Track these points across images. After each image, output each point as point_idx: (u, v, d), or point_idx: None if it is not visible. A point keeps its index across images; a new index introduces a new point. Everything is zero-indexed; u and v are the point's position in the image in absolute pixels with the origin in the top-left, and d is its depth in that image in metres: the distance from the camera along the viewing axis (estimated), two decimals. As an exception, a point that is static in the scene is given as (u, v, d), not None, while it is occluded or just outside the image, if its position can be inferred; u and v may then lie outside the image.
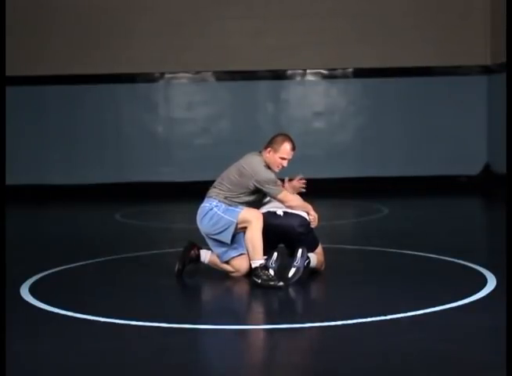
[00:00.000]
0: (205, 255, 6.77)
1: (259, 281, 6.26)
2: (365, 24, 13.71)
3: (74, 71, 13.75)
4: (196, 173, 13.71)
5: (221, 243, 6.59)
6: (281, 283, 6.22)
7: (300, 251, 6.35)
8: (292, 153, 6.64)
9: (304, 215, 6.64)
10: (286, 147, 6.58)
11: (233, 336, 5.15)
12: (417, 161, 13.92)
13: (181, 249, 6.84)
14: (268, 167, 6.60)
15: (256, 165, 6.56)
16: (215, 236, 6.58)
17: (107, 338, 5.04)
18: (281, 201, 6.62)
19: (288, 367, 4.49)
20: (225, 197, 6.57)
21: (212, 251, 6.73)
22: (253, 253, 6.37)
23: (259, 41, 13.69)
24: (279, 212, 6.60)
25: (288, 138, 6.66)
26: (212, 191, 6.66)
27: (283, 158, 6.59)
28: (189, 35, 13.73)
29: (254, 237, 6.37)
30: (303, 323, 5.27)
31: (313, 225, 6.68)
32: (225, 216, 6.50)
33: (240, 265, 6.63)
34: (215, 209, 6.55)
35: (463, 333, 5.01)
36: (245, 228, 6.45)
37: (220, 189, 6.61)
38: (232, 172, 6.63)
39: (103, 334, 5.13)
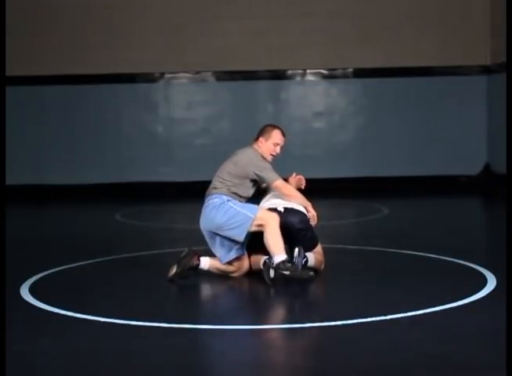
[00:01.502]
0: (205, 263, 6.71)
1: (288, 273, 6.22)
2: (366, 24, 13.72)
3: (74, 71, 13.75)
4: (196, 173, 13.70)
5: (226, 242, 6.57)
6: (311, 273, 6.29)
7: (297, 250, 6.36)
8: (283, 139, 6.80)
9: (304, 211, 6.65)
10: (277, 134, 6.77)
11: (233, 336, 5.15)
12: (417, 161, 13.92)
13: (181, 249, 6.83)
14: (263, 157, 6.69)
15: (251, 154, 6.68)
16: (227, 232, 6.51)
17: (107, 338, 5.04)
18: (278, 188, 6.64)
19: (288, 367, 4.49)
20: (229, 191, 6.58)
21: (213, 253, 6.70)
22: (276, 249, 6.30)
23: (259, 41, 13.69)
24: (280, 208, 6.62)
25: (276, 126, 6.88)
26: (215, 186, 6.65)
27: (276, 144, 6.74)
28: (189, 35, 13.73)
29: (275, 234, 6.34)
30: (303, 323, 5.27)
31: (312, 223, 6.69)
32: (243, 211, 6.46)
33: (241, 264, 6.64)
34: (230, 203, 6.52)
35: (463, 333, 5.01)
36: (259, 226, 6.41)
37: (223, 184, 6.60)
38: (228, 166, 6.68)
39: (103, 334, 5.13)
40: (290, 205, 6.65)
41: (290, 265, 6.26)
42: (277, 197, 6.78)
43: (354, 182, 13.83)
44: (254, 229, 6.45)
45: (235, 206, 6.50)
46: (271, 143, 6.72)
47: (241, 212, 6.46)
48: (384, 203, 11.98)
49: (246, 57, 13.74)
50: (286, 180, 6.89)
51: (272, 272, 6.33)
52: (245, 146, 6.88)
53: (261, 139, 6.75)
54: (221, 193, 6.58)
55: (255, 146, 6.77)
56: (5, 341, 4.59)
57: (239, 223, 6.45)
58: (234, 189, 6.60)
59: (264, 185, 6.83)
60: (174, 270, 6.55)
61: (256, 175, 6.60)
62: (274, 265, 6.29)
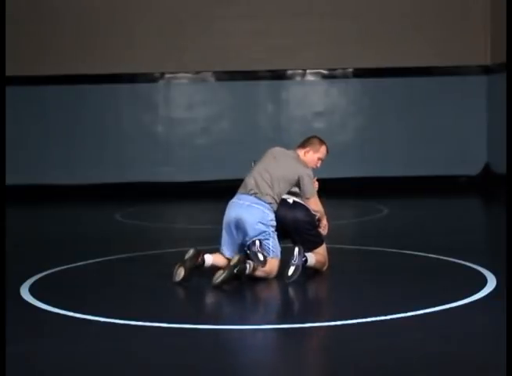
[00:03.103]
0: (208, 259, 6.71)
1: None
2: (365, 24, 13.72)
3: (75, 71, 13.75)
4: (196, 173, 13.73)
5: (239, 239, 6.63)
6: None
7: (296, 249, 6.40)
8: (327, 155, 6.97)
9: (314, 212, 6.72)
10: (325, 150, 6.94)
11: (233, 336, 5.16)
12: (417, 161, 13.92)
13: (181, 249, 6.82)
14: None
15: (300, 160, 6.78)
16: (252, 232, 6.56)
17: (107, 338, 5.04)
18: (310, 202, 6.73)
19: (288, 367, 4.49)
20: (274, 199, 6.62)
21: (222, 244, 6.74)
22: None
23: (259, 41, 13.69)
24: (289, 200, 6.71)
25: (324, 141, 6.99)
26: (266, 191, 6.61)
27: (321, 159, 6.91)
28: (189, 35, 13.74)
29: (262, 274, 6.48)
30: (303, 323, 5.28)
31: (322, 231, 6.83)
32: (272, 247, 6.54)
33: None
34: (272, 230, 6.55)
35: (463, 333, 5.01)
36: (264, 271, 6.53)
37: (271, 191, 6.61)
38: (276, 170, 6.67)
39: (103, 334, 5.13)
40: (300, 200, 6.71)
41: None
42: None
43: (354, 182, 13.83)
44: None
45: (271, 238, 6.56)
46: (317, 157, 6.87)
47: (273, 242, 6.56)
48: (384, 203, 11.98)
49: (246, 57, 13.74)
50: None
51: (260, 256, 6.43)
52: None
53: (309, 149, 6.86)
54: (270, 204, 6.60)
55: (300, 152, 6.85)
56: (5, 341, 4.59)
57: (262, 237, 6.50)
58: (276, 198, 6.63)
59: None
60: (182, 274, 6.48)
61: (300, 178, 6.67)
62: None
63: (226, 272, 6.27)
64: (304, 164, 6.79)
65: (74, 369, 4.48)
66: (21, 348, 4.81)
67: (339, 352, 4.70)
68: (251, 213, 6.53)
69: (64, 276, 7.03)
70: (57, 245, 8.90)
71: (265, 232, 6.51)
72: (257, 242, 6.43)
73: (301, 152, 6.87)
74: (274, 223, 6.58)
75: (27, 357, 4.68)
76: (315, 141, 6.93)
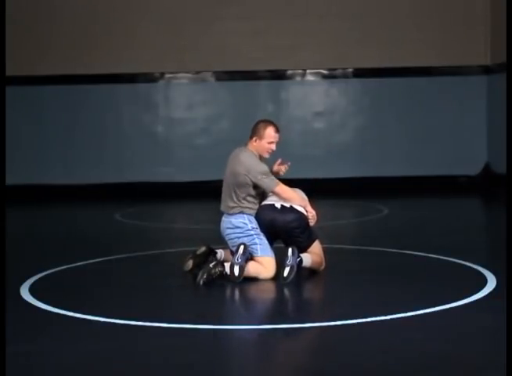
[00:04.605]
0: (220, 253, 6.87)
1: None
2: (366, 24, 13.71)
3: (74, 71, 13.75)
4: (196, 173, 13.72)
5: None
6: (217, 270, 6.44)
7: (290, 250, 6.41)
8: (277, 135, 6.75)
9: (303, 210, 6.66)
10: (271, 132, 6.71)
11: (233, 336, 5.16)
12: (417, 161, 13.92)
13: (181, 249, 6.84)
14: (260, 158, 6.71)
15: (246, 161, 6.64)
16: (228, 238, 6.69)
17: (107, 338, 5.04)
18: (277, 194, 6.67)
19: (288, 367, 4.49)
20: (243, 207, 6.62)
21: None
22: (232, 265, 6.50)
23: (259, 41, 13.69)
24: (277, 205, 6.65)
25: (269, 122, 6.79)
26: (229, 204, 6.66)
27: (271, 142, 6.70)
28: (189, 35, 13.73)
29: (255, 273, 6.51)
30: (303, 323, 5.27)
31: (311, 222, 6.70)
32: (259, 247, 6.56)
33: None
34: (253, 233, 6.59)
35: (463, 333, 5.01)
36: (258, 263, 6.54)
37: (234, 202, 6.64)
38: (230, 178, 6.70)
39: (103, 334, 5.13)
40: (288, 204, 6.67)
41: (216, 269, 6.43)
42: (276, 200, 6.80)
43: (354, 182, 13.83)
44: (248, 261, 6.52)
45: (255, 235, 6.59)
46: (265, 143, 6.69)
47: (258, 246, 6.58)
48: (384, 203, 11.98)
49: (246, 57, 13.73)
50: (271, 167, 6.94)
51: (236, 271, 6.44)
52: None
53: (254, 138, 6.70)
54: (240, 213, 6.63)
55: (250, 146, 6.74)
56: (5, 341, 4.59)
57: (242, 237, 6.56)
58: (246, 204, 6.64)
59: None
60: (190, 266, 6.72)
61: (253, 182, 6.62)
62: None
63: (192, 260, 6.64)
64: (254, 161, 6.63)
65: (74, 369, 4.48)
66: (21, 348, 4.81)
67: (339, 352, 4.70)
68: (222, 230, 6.69)
69: (64, 276, 7.03)
70: (57, 245, 8.90)
71: (234, 234, 6.57)
72: (241, 248, 6.45)
73: (250, 144, 6.73)
74: (245, 223, 6.59)
75: (26, 357, 4.68)
76: (259, 126, 6.74)
